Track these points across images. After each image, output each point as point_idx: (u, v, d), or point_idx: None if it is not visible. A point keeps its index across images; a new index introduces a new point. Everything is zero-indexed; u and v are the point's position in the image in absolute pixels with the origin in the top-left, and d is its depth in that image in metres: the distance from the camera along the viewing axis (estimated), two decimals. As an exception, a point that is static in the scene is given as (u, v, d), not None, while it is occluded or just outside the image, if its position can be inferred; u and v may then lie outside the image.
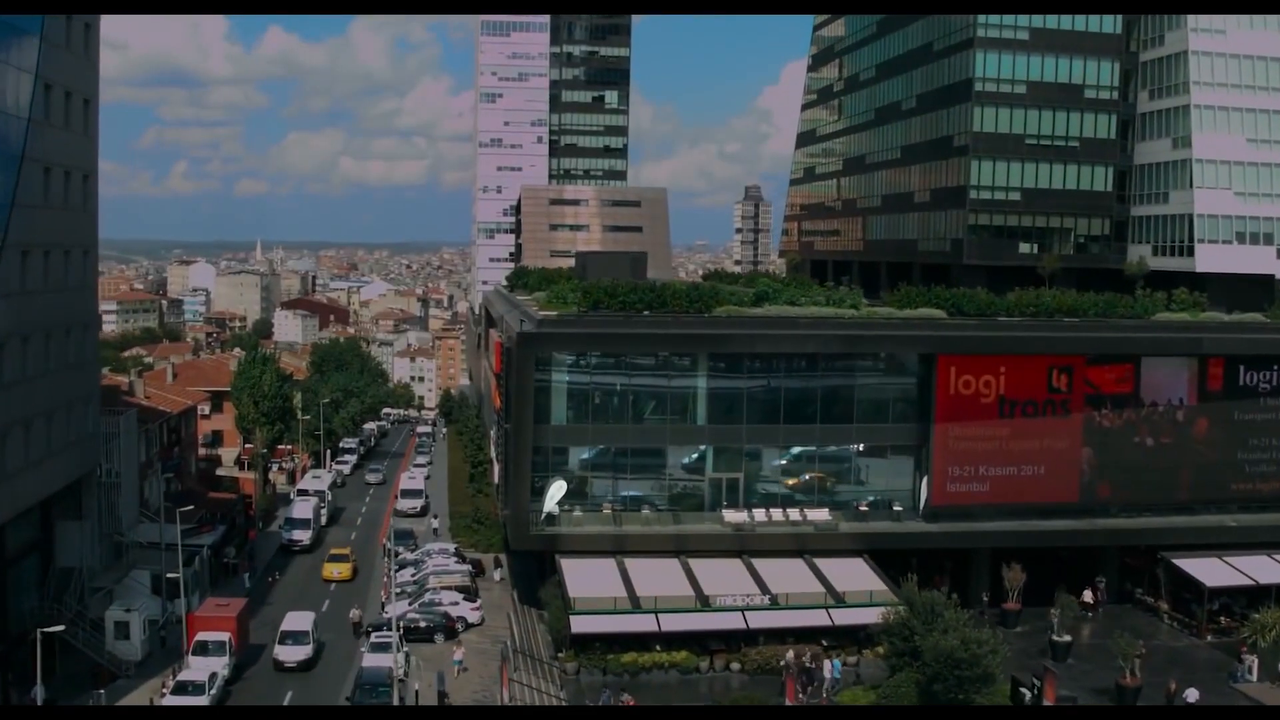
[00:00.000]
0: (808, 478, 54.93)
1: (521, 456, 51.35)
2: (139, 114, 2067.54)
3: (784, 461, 55.06)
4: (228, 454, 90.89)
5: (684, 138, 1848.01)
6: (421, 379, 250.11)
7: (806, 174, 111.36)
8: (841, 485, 55.53)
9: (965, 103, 77.27)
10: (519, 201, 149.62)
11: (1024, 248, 78.00)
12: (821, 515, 53.80)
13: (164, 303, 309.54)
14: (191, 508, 53.61)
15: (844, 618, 48.36)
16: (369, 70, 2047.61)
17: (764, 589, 49.05)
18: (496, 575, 61.81)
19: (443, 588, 54.87)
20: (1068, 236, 78.95)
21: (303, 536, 68.48)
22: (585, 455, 53.26)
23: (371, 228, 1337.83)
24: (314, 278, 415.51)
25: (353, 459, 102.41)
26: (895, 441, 55.23)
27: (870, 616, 47.33)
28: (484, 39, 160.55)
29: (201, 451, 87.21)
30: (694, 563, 51.09)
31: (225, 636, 45.88)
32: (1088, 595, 55.09)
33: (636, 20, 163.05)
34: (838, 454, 55.37)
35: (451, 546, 65.28)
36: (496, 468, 65.08)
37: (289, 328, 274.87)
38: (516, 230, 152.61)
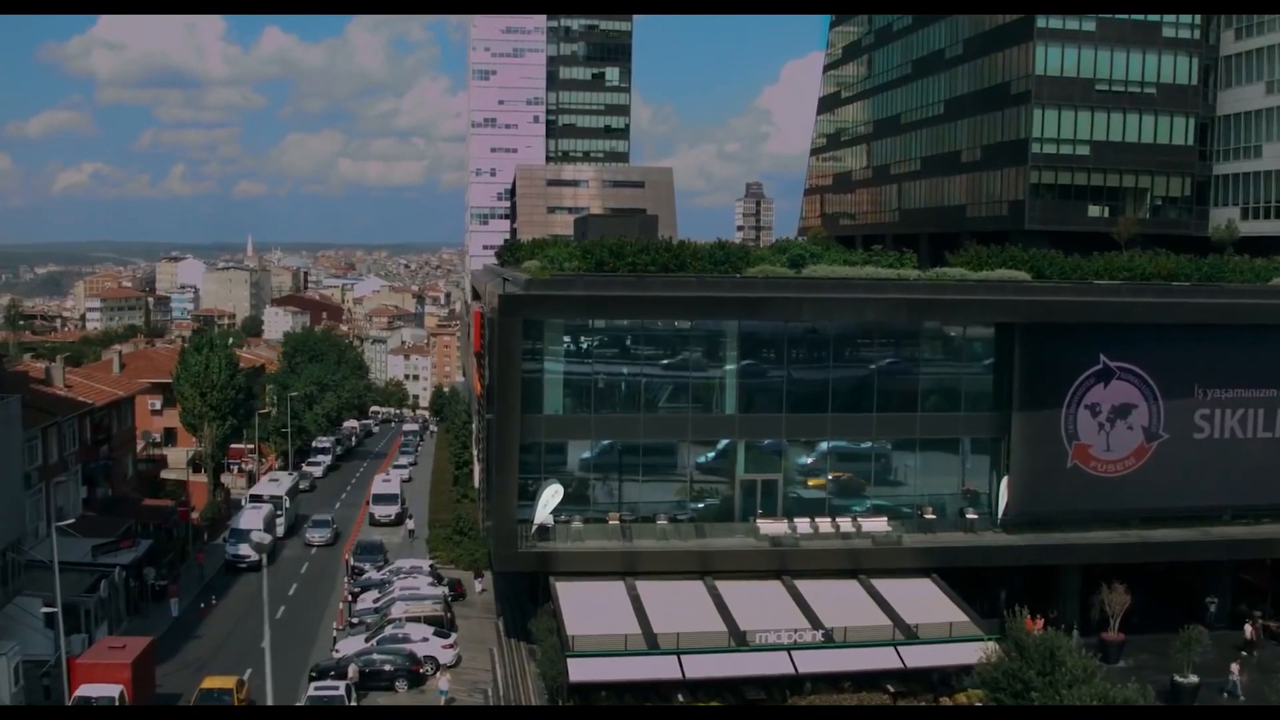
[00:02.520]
0: (860, 479, 46.30)
1: (507, 454, 42.04)
2: (136, 115, 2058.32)
3: (831, 459, 46.12)
4: (178, 454, 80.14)
5: (683, 138, 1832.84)
6: (416, 377, 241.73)
7: (830, 141, 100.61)
8: (901, 488, 46.79)
9: (1025, 42, 66.61)
10: (514, 183, 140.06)
11: (1093, 211, 67.42)
12: (879, 525, 44.74)
13: (150, 300, 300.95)
14: (69, 521, 42.75)
15: (917, 658, 38.80)
16: (367, 71, 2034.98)
17: (815, 622, 39.31)
18: (478, 586, 53.06)
19: (409, 619, 44.33)
20: (1143, 198, 68.35)
21: (250, 552, 57.77)
22: (586, 453, 44.38)
23: (370, 229, 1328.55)
24: (306, 274, 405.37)
25: (326, 460, 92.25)
26: (967, 434, 46.64)
27: (951, 656, 38.66)
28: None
29: (149, 452, 76.89)
30: (723, 587, 41.96)
31: (116, 690, 35.34)
32: (1248, 630, 44.99)
33: (636, 16, 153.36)
34: (897, 450, 46.67)
35: (426, 564, 54.84)
36: (479, 468, 54.71)
37: (279, 324, 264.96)
38: (511, 214, 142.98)
